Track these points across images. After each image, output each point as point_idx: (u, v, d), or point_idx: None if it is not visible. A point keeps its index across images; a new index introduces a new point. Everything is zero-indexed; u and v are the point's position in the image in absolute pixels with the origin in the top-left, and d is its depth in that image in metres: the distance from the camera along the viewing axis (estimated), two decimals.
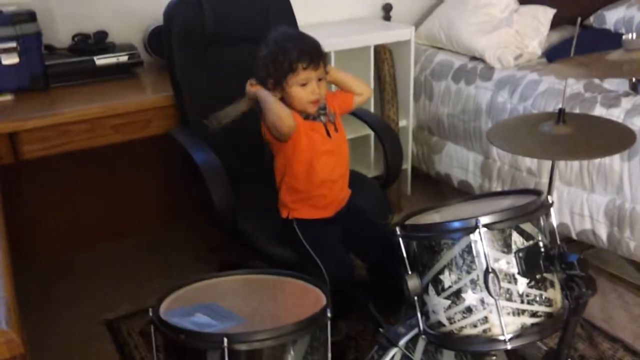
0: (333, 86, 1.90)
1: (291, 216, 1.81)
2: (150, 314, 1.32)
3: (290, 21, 2.27)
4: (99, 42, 2.41)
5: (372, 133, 2.69)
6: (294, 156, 1.76)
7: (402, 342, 1.41)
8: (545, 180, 2.00)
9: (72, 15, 2.45)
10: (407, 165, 3.00)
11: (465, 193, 2.75)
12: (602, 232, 2.20)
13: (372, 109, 2.77)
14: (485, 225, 1.21)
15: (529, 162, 2.41)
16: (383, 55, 2.85)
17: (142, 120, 2.18)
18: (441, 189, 3.04)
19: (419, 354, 1.38)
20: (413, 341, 1.41)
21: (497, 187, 2.59)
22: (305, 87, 1.68)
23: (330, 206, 1.83)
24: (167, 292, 1.41)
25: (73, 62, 2.31)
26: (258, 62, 1.74)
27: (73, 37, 2.40)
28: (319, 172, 1.77)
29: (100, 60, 2.34)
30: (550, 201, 1.32)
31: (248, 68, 2.23)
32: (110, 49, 2.40)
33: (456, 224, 1.25)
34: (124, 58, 2.38)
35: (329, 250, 1.76)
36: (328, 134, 1.77)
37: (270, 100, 1.70)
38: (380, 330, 1.47)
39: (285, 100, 1.72)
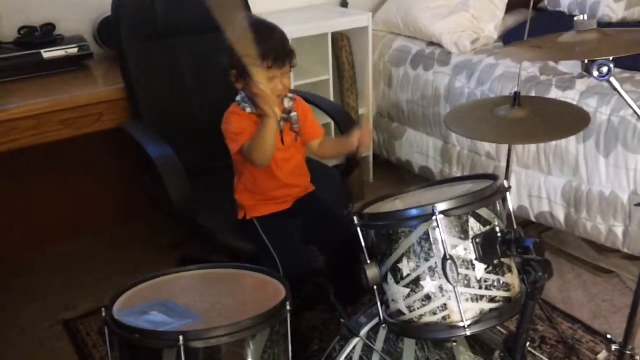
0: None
1: (249, 216, 1.79)
2: (103, 314, 1.28)
3: (245, 9, 2.23)
4: (46, 34, 2.33)
5: (332, 122, 2.67)
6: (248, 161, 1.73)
7: (363, 332, 1.40)
8: (504, 164, 2.01)
9: (17, 7, 2.35)
10: (368, 153, 2.99)
11: (426, 179, 2.76)
12: (560, 214, 2.23)
13: (331, 97, 2.75)
14: (442, 212, 1.20)
15: (487, 146, 2.43)
16: (341, 42, 2.83)
17: (92, 114, 2.11)
18: (403, 175, 3.04)
19: (380, 343, 1.37)
20: (374, 330, 1.40)
21: (457, 172, 2.60)
22: (269, 81, 1.63)
23: (289, 201, 1.81)
24: (120, 291, 1.37)
25: (19, 56, 2.23)
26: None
27: (19, 30, 2.32)
28: (276, 175, 1.75)
29: (48, 54, 2.26)
30: (507, 185, 1.31)
31: (205, 58, 2.20)
32: (59, 41, 2.32)
33: (413, 212, 1.23)
34: (73, 50, 2.30)
35: (287, 245, 1.74)
36: (282, 141, 1.73)
37: (271, 132, 1.59)
38: (342, 320, 1.46)
39: (248, 91, 1.67)
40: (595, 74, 1.30)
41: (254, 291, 1.44)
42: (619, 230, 2.08)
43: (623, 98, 1.33)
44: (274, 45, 1.62)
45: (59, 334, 2.15)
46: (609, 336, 1.60)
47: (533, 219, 2.34)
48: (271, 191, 1.78)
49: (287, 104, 1.75)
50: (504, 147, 2.30)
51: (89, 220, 2.72)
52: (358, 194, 2.90)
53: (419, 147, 2.79)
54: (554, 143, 2.18)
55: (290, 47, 1.67)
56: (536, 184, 2.28)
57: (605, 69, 1.30)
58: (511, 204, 1.32)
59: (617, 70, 2.13)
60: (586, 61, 1.33)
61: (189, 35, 2.18)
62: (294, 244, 1.76)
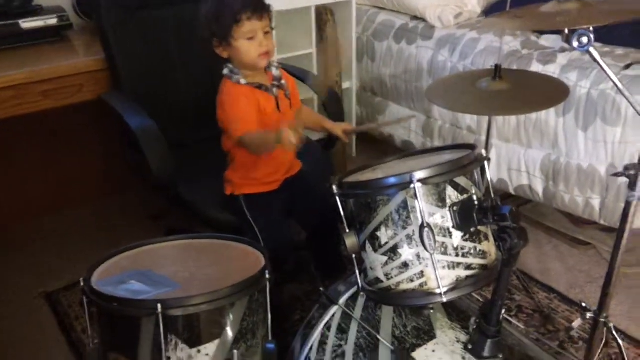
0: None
1: (237, 193, 1.78)
2: (82, 283, 1.28)
3: None
4: (24, 4, 2.29)
5: (315, 96, 2.66)
6: None
7: (342, 300, 1.42)
8: (484, 137, 2.03)
9: None
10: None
11: None
12: (539, 187, 2.26)
13: (314, 71, 2.74)
14: (420, 180, 1.20)
15: (468, 119, 2.44)
16: (325, 15, 2.81)
17: (73, 85, 2.09)
18: (385, 149, 3.04)
19: (359, 310, 1.39)
20: (353, 299, 1.41)
21: (439, 145, 2.62)
22: (252, 41, 1.61)
23: (278, 181, 1.80)
24: (99, 261, 1.37)
25: None
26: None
27: None
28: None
29: (26, 24, 2.23)
30: (485, 155, 1.32)
31: (187, 29, 2.17)
32: (37, 11, 2.29)
33: (391, 180, 1.24)
34: (52, 21, 2.27)
35: (269, 221, 1.74)
36: (278, 108, 1.71)
37: (272, 140, 1.55)
38: (321, 289, 1.47)
39: (234, 58, 1.66)
40: (575, 44, 1.30)
41: (235, 261, 1.44)
42: (596, 202, 2.11)
43: (602, 68, 1.33)
44: None
45: (41, 306, 2.15)
46: (583, 304, 1.63)
47: (512, 191, 2.37)
48: (263, 166, 1.75)
49: (275, 72, 1.74)
50: (485, 121, 2.32)
51: (71, 192, 2.70)
52: (341, 168, 2.90)
53: None
54: (533, 116, 2.20)
55: (267, 2, 1.65)
56: (516, 157, 2.30)
57: (585, 39, 1.30)
58: (489, 173, 1.33)
59: (597, 44, 2.14)
60: (566, 31, 1.34)
61: (169, 5, 2.15)
62: (276, 221, 1.76)
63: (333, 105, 2.13)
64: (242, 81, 1.67)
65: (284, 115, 1.73)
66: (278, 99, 1.71)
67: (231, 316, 1.25)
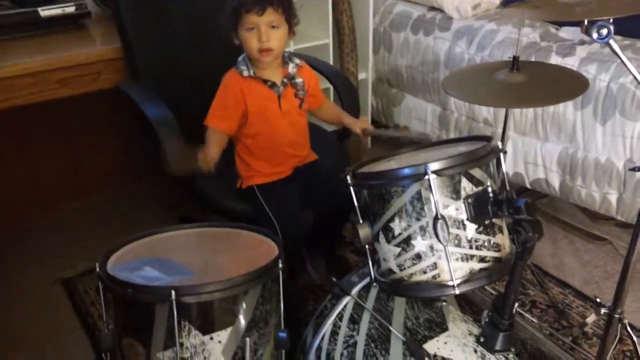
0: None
1: (245, 185, 1.78)
2: (97, 269, 1.30)
3: None
4: None
5: (331, 86, 2.65)
6: (245, 126, 1.72)
7: (354, 291, 1.42)
8: (501, 130, 2.01)
9: None
10: (367, 118, 2.97)
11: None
12: (555, 181, 2.24)
13: (330, 62, 2.73)
14: (434, 172, 1.20)
15: (485, 112, 2.42)
16: (341, 6, 2.80)
17: (90, 73, 2.10)
18: (400, 141, 3.03)
19: (371, 301, 1.39)
20: (365, 289, 1.41)
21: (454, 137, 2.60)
22: (251, 32, 1.62)
23: (286, 171, 1.80)
24: (115, 248, 1.39)
25: (15, 14, 2.20)
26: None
27: None
28: (275, 142, 1.74)
29: (45, 12, 2.23)
30: (500, 147, 1.31)
31: (203, 19, 2.17)
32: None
33: (406, 171, 1.23)
34: (70, 9, 2.28)
35: (286, 209, 1.74)
36: (280, 107, 1.71)
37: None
38: (334, 279, 1.48)
39: (243, 48, 1.66)
40: (595, 35, 1.28)
41: (249, 249, 1.45)
42: (613, 197, 2.09)
43: (622, 61, 1.31)
44: None
45: (58, 292, 2.18)
46: (598, 300, 1.62)
47: (528, 185, 2.35)
48: (267, 161, 1.76)
49: (292, 69, 1.73)
50: (502, 114, 2.30)
51: (88, 180, 2.72)
52: (356, 159, 2.89)
53: (417, 113, 2.79)
54: (551, 109, 2.17)
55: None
56: (532, 150, 2.28)
57: (604, 31, 1.27)
58: (504, 166, 1.32)
59: (618, 37, 2.11)
60: (586, 22, 1.32)
61: None
62: (293, 209, 1.76)
63: (347, 94, 2.13)
64: (245, 73, 1.68)
65: (287, 115, 1.73)
66: (281, 98, 1.70)
67: (244, 304, 1.26)
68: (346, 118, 1.87)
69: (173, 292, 1.17)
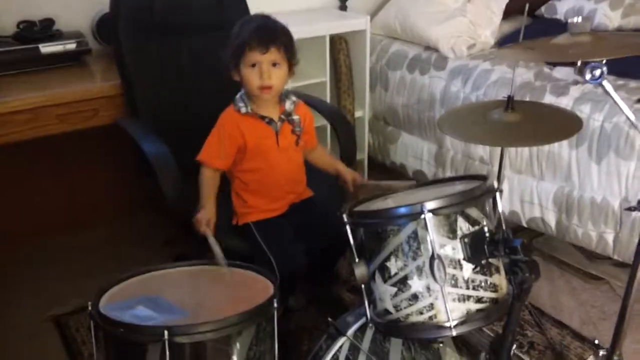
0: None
1: (241, 222, 1.78)
2: (89, 307, 1.28)
3: (244, 9, 2.24)
4: (45, 29, 2.34)
5: (327, 124, 2.67)
6: (242, 162, 1.73)
7: (350, 332, 1.40)
8: (497, 168, 2.02)
9: (18, 2, 2.36)
10: (363, 156, 2.99)
11: None
12: (551, 220, 2.24)
13: (327, 99, 2.76)
14: (430, 211, 1.20)
15: (481, 150, 2.44)
16: (339, 45, 2.84)
17: (88, 109, 2.12)
18: (397, 178, 3.03)
19: (367, 342, 1.37)
20: (361, 330, 1.40)
21: (450, 175, 2.61)
22: (253, 69, 1.63)
23: (282, 207, 1.80)
24: (108, 286, 1.37)
25: (17, 50, 2.23)
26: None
27: (18, 25, 2.32)
28: (270, 178, 1.74)
29: (46, 48, 2.26)
30: (496, 186, 1.32)
31: (203, 56, 2.20)
32: (57, 36, 2.33)
33: (402, 210, 1.23)
34: (71, 46, 2.31)
35: (283, 246, 1.73)
36: (277, 142, 1.72)
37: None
38: (329, 319, 1.46)
39: (243, 84, 1.68)
40: (588, 76, 1.30)
41: (243, 288, 1.44)
42: (610, 237, 2.08)
43: (615, 101, 1.33)
44: (261, 30, 1.62)
45: (48, 329, 2.14)
46: (596, 342, 1.60)
47: (524, 224, 2.35)
48: (264, 198, 1.76)
49: (289, 106, 1.74)
50: (497, 152, 2.31)
51: (83, 215, 2.71)
52: (353, 196, 2.89)
53: (413, 151, 2.80)
54: (546, 148, 2.19)
55: (287, 39, 1.66)
56: (528, 189, 2.29)
57: (597, 72, 1.29)
58: (500, 205, 1.32)
59: (611, 77, 2.14)
60: (579, 64, 1.34)
61: (188, 33, 2.18)
62: (290, 246, 1.75)
63: (344, 133, 2.14)
64: (243, 110, 1.69)
65: (285, 152, 1.74)
66: (279, 134, 1.72)
67: (238, 345, 1.24)
68: (339, 165, 1.89)
69: (166, 332, 1.16)
